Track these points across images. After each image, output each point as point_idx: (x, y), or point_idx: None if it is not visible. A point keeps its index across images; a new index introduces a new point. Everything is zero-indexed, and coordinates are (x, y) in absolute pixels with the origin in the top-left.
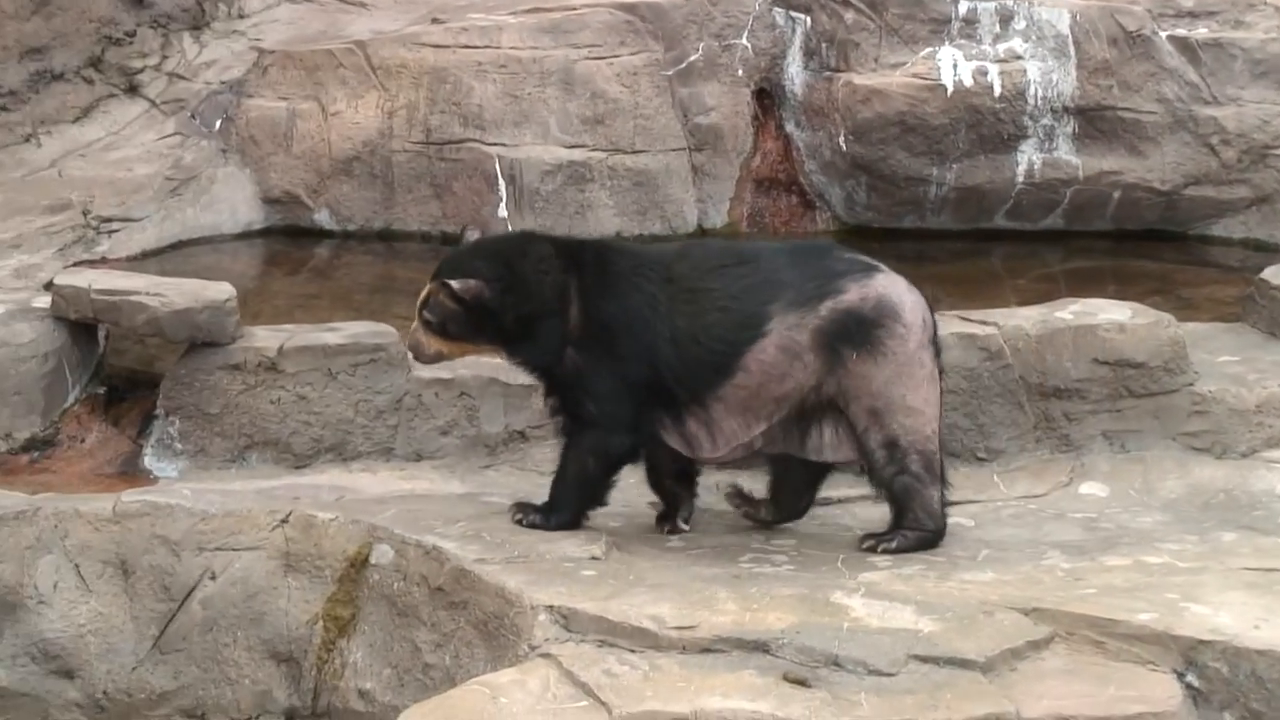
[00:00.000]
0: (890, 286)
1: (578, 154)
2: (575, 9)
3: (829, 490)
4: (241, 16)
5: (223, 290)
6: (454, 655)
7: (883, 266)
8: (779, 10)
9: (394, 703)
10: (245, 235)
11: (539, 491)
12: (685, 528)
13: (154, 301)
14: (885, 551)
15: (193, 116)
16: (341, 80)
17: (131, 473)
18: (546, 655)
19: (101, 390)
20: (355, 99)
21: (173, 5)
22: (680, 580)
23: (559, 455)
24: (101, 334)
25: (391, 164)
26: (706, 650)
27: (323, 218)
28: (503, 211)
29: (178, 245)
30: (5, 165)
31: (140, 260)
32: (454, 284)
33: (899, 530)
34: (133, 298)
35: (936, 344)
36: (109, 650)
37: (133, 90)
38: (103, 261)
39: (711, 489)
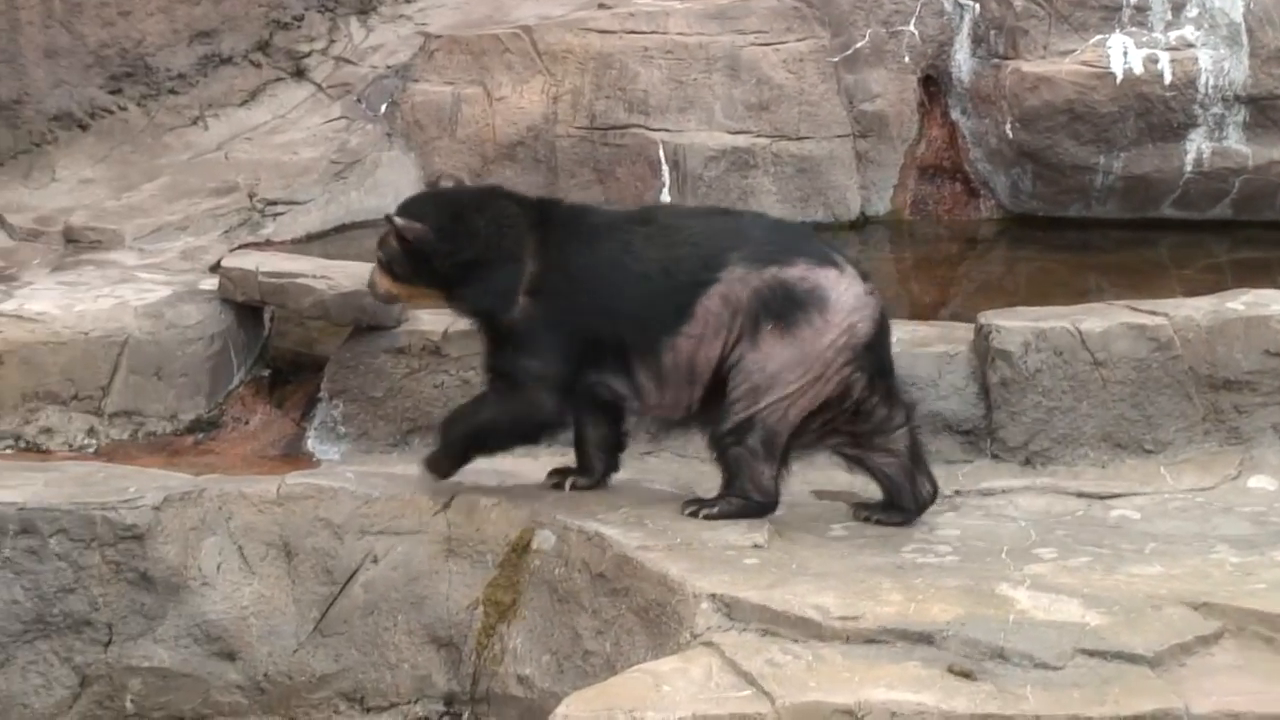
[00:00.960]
0: (834, 283)
1: (742, 140)
2: None
3: (993, 480)
4: (408, 1)
5: None
6: (614, 642)
7: (849, 269)
8: None
9: (553, 689)
10: None
11: (702, 479)
12: (576, 487)
13: (321, 284)
14: (707, 518)
15: (358, 100)
16: (507, 65)
17: (294, 455)
18: (709, 644)
19: (266, 373)
20: (520, 84)
21: None
22: (843, 570)
23: (477, 396)
24: (267, 316)
25: (555, 149)
26: (870, 641)
27: None
28: (665, 197)
29: (342, 228)
30: (173, 148)
31: (304, 243)
32: (398, 222)
33: (724, 496)
34: (299, 280)
35: (870, 362)
36: (271, 632)
37: (299, 74)
38: (267, 244)
39: None
